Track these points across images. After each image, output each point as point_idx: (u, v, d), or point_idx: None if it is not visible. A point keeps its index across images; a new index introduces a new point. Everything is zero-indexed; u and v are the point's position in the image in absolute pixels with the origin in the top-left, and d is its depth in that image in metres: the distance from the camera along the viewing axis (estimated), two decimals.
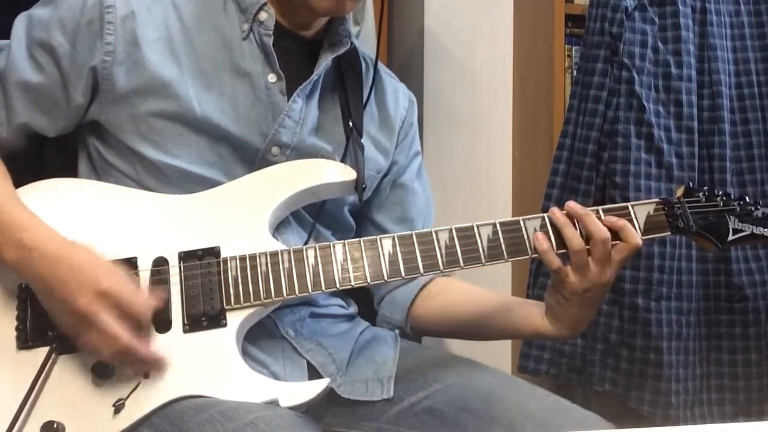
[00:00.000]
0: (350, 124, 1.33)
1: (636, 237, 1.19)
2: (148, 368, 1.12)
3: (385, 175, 1.43)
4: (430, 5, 2.04)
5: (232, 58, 1.27)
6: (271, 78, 1.27)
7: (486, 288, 1.41)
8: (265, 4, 1.27)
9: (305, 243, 1.28)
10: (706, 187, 1.29)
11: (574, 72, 2.02)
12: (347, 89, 1.36)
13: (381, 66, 1.48)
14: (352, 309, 1.41)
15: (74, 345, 1.13)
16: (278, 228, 1.27)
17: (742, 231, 1.25)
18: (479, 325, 1.36)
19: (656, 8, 1.83)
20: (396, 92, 1.46)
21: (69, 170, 1.31)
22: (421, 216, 1.47)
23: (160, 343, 1.13)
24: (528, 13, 2.11)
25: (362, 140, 1.35)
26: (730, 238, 1.25)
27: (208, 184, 1.24)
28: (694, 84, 1.83)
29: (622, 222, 1.20)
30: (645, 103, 1.79)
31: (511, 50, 2.09)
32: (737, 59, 1.89)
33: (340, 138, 1.34)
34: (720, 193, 1.27)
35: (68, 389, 1.12)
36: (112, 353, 1.09)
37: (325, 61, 1.31)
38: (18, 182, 1.23)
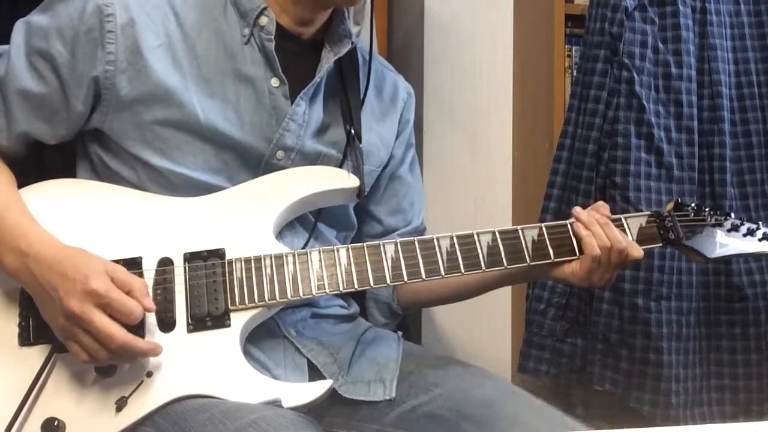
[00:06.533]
0: (351, 131, 1.33)
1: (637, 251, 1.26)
2: (150, 355, 1.11)
3: (384, 167, 1.44)
4: (430, 5, 2.04)
5: (234, 63, 1.26)
6: (274, 82, 1.27)
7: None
8: (265, 9, 1.27)
9: (306, 243, 1.29)
10: (694, 203, 1.35)
11: (574, 72, 2.02)
12: (347, 91, 1.36)
13: (380, 59, 1.48)
14: (354, 309, 1.42)
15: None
16: (280, 229, 1.27)
17: (727, 245, 1.32)
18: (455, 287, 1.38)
19: (656, 8, 1.83)
20: (395, 85, 1.48)
21: (69, 173, 1.30)
22: (414, 206, 1.49)
23: (164, 343, 1.13)
24: (528, 13, 2.11)
25: (364, 137, 1.36)
26: (716, 251, 1.31)
27: (212, 190, 1.24)
28: (694, 84, 1.83)
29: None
30: (645, 103, 1.79)
31: (511, 50, 2.09)
32: (737, 59, 1.88)
33: (343, 140, 1.34)
34: (707, 209, 1.34)
35: (70, 386, 1.13)
36: (107, 354, 1.08)
37: (327, 63, 1.31)
38: (20, 183, 1.23)
